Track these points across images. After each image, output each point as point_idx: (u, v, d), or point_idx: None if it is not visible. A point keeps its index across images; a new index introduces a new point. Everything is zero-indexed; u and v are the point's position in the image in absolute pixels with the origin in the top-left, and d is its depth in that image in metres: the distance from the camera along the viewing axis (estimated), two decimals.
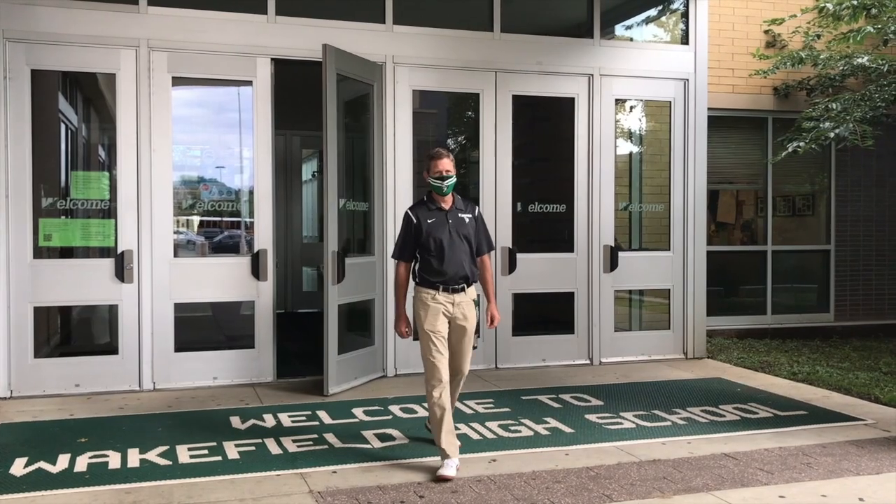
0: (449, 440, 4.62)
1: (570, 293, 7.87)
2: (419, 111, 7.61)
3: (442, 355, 4.71)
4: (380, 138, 7.20)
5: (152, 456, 4.85)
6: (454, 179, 4.81)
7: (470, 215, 4.90)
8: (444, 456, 4.59)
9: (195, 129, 7.09)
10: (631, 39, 8.48)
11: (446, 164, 4.76)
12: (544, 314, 8.14)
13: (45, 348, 6.71)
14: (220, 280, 6.83)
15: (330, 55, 6.43)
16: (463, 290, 4.81)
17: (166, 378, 6.66)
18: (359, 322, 7.29)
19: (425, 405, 6.08)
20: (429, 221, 4.79)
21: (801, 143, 8.37)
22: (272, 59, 6.90)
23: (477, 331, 4.95)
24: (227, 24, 6.80)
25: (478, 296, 5.02)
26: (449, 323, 4.80)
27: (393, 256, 5.08)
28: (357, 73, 6.93)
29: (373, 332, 7.22)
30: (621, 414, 5.91)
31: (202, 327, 7.25)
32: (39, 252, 6.45)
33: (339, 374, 6.62)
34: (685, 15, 8.28)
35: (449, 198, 4.85)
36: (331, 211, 6.48)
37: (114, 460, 4.76)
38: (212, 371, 6.79)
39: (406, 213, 4.91)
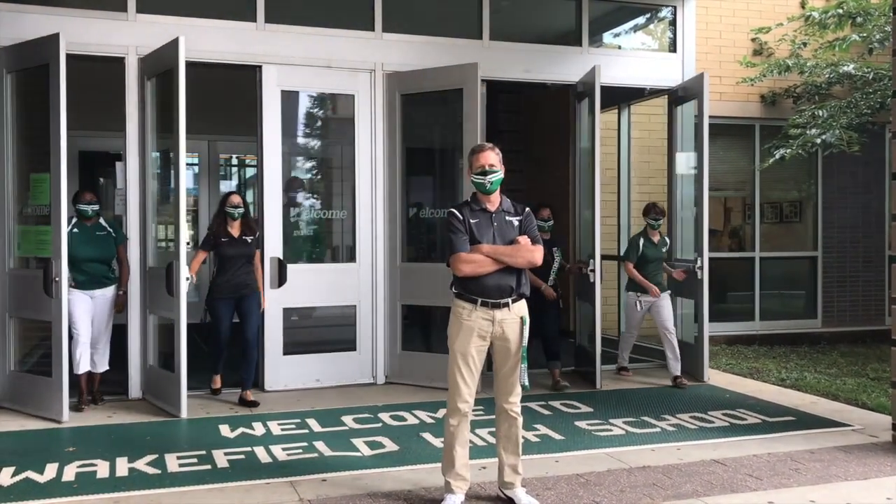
0: (456, 474, 4.20)
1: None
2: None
3: (466, 383, 4.14)
4: (368, 145, 7.19)
5: (141, 465, 4.82)
6: (500, 175, 4.21)
7: (518, 217, 4.29)
8: (447, 490, 4.21)
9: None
10: (619, 47, 8.52)
11: (489, 158, 4.19)
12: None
13: (29, 360, 6.67)
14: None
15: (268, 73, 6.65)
16: (506, 305, 4.16)
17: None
18: (340, 328, 7.34)
19: (415, 412, 6.10)
20: (472, 222, 4.21)
21: (788, 150, 8.44)
22: (261, 67, 6.89)
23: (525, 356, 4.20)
24: (217, 31, 6.78)
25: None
26: (491, 344, 4.21)
27: (452, 255, 4.16)
28: (323, 87, 7.12)
29: (356, 338, 7.20)
30: (611, 421, 5.92)
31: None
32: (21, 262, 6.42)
33: (287, 374, 6.89)
34: (673, 23, 8.32)
35: (495, 198, 4.26)
36: (269, 218, 6.76)
37: (102, 469, 4.73)
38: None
39: (450, 211, 4.26)
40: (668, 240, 7.64)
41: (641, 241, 7.41)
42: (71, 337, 5.95)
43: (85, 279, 6.17)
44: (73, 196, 6.25)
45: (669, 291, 7.43)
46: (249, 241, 6.49)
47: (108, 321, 6.38)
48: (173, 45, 5.95)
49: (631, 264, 7.41)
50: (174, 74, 5.89)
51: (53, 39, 5.79)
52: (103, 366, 6.40)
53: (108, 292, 6.33)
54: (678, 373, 7.21)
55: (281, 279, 6.82)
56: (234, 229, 6.44)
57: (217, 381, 6.68)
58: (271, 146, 6.85)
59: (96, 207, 6.30)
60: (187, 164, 11.68)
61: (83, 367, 6.21)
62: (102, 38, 6.48)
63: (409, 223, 7.43)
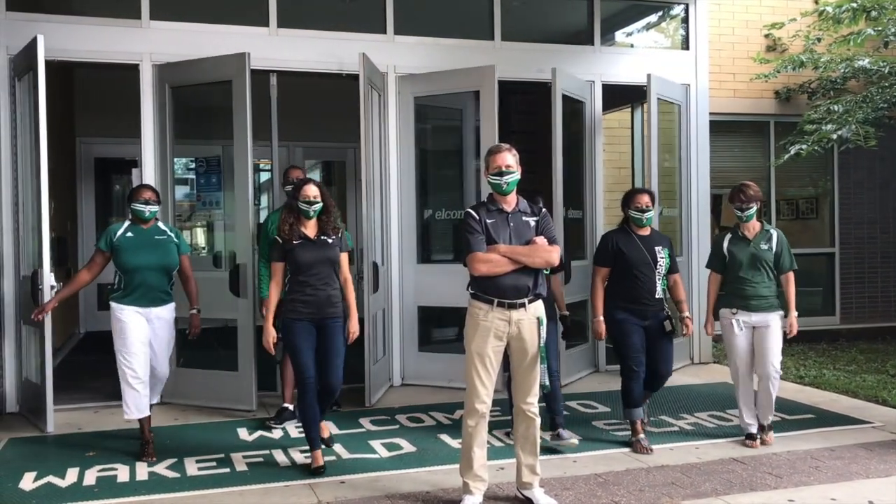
0: (474, 475, 4.19)
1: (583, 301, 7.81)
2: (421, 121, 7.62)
3: (484, 384, 4.13)
4: (383, 146, 7.21)
5: (160, 469, 4.85)
6: (516, 176, 4.20)
7: (535, 218, 4.27)
8: (465, 490, 4.21)
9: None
10: (631, 46, 8.50)
11: (506, 159, 4.18)
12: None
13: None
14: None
15: (366, 64, 6.42)
16: (523, 306, 4.15)
17: (172, 393, 6.65)
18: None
19: (432, 414, 6.10)
20: (488, 222, 4.19)
21: (804, 146, 8.38)
22: (275, 72, 6.91)
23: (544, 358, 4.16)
24: (230, 37, 6.79)
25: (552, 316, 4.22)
26: (508, 344, 4.20)
27: (469, 255, 4.15)
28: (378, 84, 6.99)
29: (385, 342, 7.20)
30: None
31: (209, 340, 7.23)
32: None
33: (374, 383, 6.61)
34: (685, 20, 8.29)
35: (511, 198, 4.24)
36: (367, 218, 6.52)
37: (122, 474, 4.77)
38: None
39: (467, 211, 4.27)
40: (774, 232, 5.40)
41: (727, 240, 5.43)
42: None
43: (137, 293, 5.07)
44: (129, 194, 5.43)
45: (781, 313, 5.40)
46: (331, 241, 4.87)
47: (169, 349, 5.34)
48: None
49: (714, 275, 5.56)
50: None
51: None
52: (155, 398, 5.49)
53: (165, 313, 5.19)
54: (767, 421, 5.37)
55: (376, 284, 6.53)
56: (310, 229, 4.86)
57: (319, 459, 4.81)
58: (370, 148, 6.59)
59: (155, 209, 5.23)
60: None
61: (144, 409, 5.12)
62: (116, 45, 6.53)
63: (426, 224, 7.42)
